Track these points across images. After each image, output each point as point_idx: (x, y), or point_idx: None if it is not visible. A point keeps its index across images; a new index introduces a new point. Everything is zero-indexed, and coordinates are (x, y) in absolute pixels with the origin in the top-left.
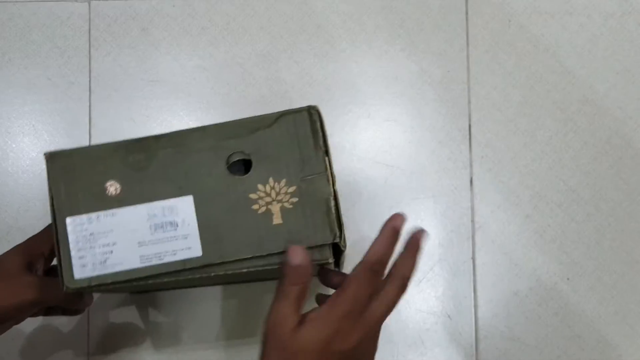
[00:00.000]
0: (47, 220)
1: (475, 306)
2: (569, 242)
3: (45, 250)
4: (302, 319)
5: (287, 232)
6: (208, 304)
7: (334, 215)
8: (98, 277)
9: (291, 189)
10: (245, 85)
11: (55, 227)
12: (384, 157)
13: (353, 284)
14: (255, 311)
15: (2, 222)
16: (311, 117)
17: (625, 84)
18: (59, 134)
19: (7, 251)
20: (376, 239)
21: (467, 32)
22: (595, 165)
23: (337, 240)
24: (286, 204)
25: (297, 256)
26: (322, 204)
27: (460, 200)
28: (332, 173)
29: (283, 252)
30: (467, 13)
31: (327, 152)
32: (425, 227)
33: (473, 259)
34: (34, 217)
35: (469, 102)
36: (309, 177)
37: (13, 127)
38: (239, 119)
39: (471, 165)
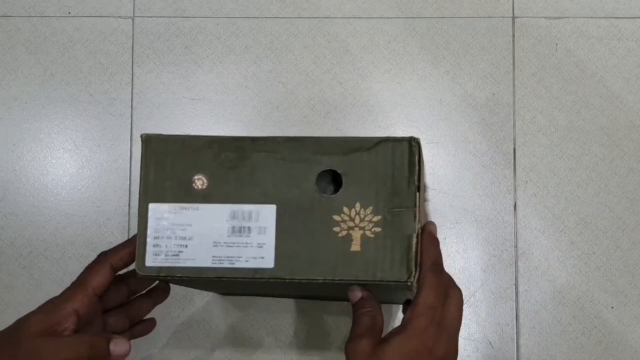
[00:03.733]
0: (85, 235)
1: (518, 333)
2: (614, 270)
3: (80, 308)
4: (382, 340)
5: (364, 261)
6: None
7: (413, 254)
8: (168, 268)
9: (376, 218)
10: (288, 105)
11: (139, 210)
12: (427, 180)
13: (423, 292)
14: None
15: (40, 239)
16: (411, 149)
17: None
18: (100, 151)
19: (31, 312)
20: (423, 245)
21: (514, 55)
22: None
23: (411, 281)
24: (368, 232)
25: (357, 293)
26: (404, 240)
27: (504, 226)
28: (420, 210)
29: (353, 281)
30: (513, 36)
31: (419, 188)
32: (467, 252)
33: (516, 285)
34: (73, 234)
35: (514, 126)
36: (397, 210)
37: (54, 143)
38: (337, 137)
39: (515, 190)
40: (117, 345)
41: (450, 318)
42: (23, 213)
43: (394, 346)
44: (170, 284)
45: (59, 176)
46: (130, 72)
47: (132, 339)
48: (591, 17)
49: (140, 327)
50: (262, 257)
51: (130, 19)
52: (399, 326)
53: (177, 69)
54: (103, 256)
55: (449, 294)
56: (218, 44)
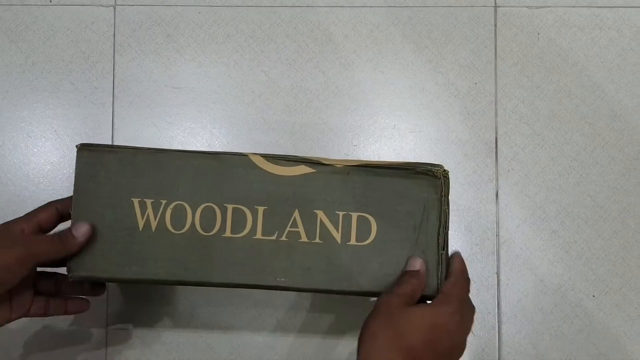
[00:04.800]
0: (66, 224)
1: (499, 322)
2: (595, 258)
3: (26, 228)
4: (414, 305)
5: None
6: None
7: None
8: None
9: None
10: (270, 94)
11: None
12: None
13: (457, 288)
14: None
15: None
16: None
17: None
18: (81, 139)
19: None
20: (457, 260)
21: (496, 45)
22: (623, 182)
23: None
24: None
25: (417, 265)
26: None
27: (486, 214)
28: None
29: None
30: (495, 25)
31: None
32: (450, 241)
33: (497, 274)
34: None
35: (496, 115)
36: None
37: (35, 131)
38: None
39: (497, 179)
40: (79, 229)
41: (467, 319)
42: (4, 202)
43: (422, 313)
44: None
45: (40, 165)
46: (112, 60)
47: (67, 314)
48: (573, 7)
49: (75, 302)
50: None
51: (111, 7)
52: (430, 302)
53: (159, 57)
54: (50, 202)
55: (469, 302)
56: (200, 33)
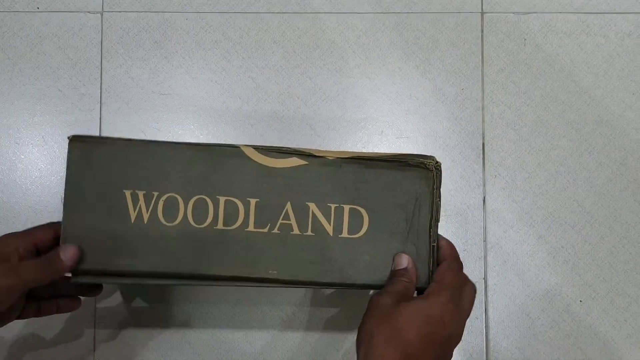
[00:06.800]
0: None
1: (487, 327)
2: (582, 263)
3: (20, 247)
4: (404, 301)
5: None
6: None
7: None
8: None
9: None
10: (258, 100)
11: None
12: None
13: (449, 274)
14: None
15: None
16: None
17: None
18: None
19: None
20: (445, 245)
21: (482, 51)
22: (610, 187)
23: None
24: None
25: (404, 263)
26: None
27: (473, 220)
28: None
29: None
30: (482, 31)
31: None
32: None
33: (485, 279)
34: None
35: (483, 120)
36: None
37: (22, 138)
38: None
39: (484, 185)
40: (66, 252)
41: (465, 303)
42: None
43: (416, 306)
44: None
45: (27, 172)
46: (99, 67)
47: (58, 312)
48: (560, 12)
49: (66, 301)
50: None
51: (99, 14)
52: (422, 295)
53: (146, 63)
54: (51, 223)
55: (466, 284)
56: (187, 39)
